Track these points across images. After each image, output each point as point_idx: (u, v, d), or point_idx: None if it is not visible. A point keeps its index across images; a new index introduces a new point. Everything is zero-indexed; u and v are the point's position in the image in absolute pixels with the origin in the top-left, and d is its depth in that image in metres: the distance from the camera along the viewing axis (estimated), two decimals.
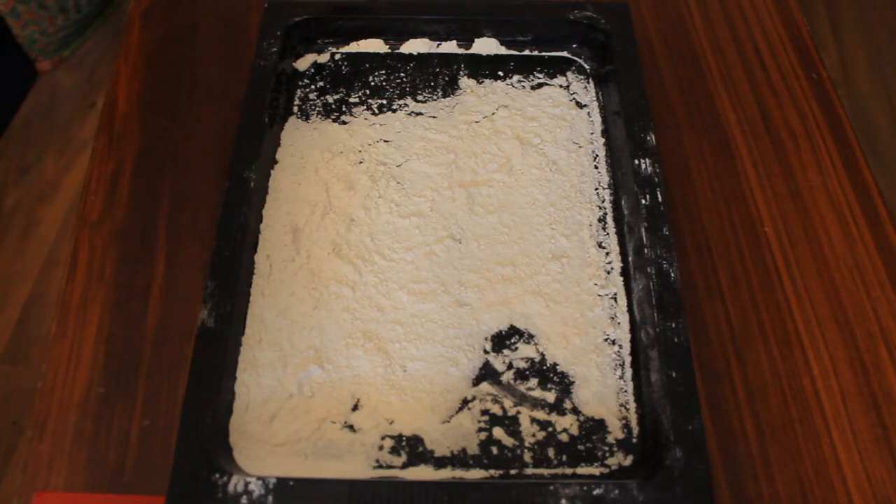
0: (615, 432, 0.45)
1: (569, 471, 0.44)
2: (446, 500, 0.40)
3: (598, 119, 0.59)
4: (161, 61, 0.64)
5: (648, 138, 0.53)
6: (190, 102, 0.62)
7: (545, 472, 0.44)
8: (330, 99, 0.60)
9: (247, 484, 0.40)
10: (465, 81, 0.61)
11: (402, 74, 0.61)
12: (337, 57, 0.62)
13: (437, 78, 0.61)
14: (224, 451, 0.43)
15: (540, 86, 0.61)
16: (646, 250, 0.48)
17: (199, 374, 0.43)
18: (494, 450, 0.44)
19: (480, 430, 0.45)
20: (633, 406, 0.46)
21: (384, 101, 0.59)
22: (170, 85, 0.63)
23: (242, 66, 0.61)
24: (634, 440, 0.45)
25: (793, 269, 0.54)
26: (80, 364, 0.49)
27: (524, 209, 0.54)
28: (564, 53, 0.63)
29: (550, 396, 0.46)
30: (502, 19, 0.62)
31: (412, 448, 0.44)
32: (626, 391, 0.47)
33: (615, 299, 0.50)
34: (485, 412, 0.46)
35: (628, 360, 0.48)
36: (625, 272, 0.51)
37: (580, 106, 0.60)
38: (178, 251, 0.54)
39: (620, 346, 0.48)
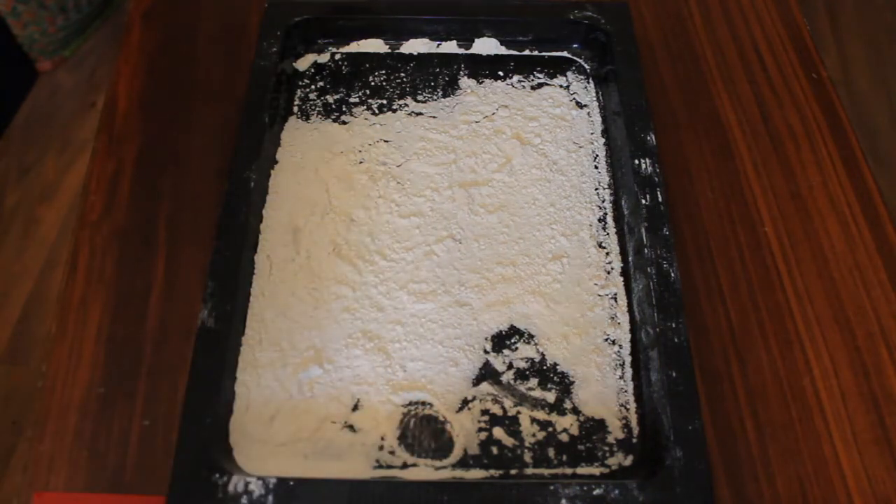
0: (615, 432, 0.45)
1: (569, 471, 0.44)
2: (446, 500, 0.40)
3: (598, 119, 0.59)
4: (161, 61, 0.64)
5: (648, 138, 0.53)
6: (190, 102, 0.62)
7: (545, 472, 0.44)
8: (330, 99, 0.60)
9: (247, 484, 0.40)
10: (465, 81, 0.61)
11: (402, 74, 0.61)
12: (337, 57, 0.62)
13: (437, 78, 0.61)
14: (224, 451, 0.43)
15: (540, 86, 0.61)
16: (646, 250, 0.48)
17: (199, 374, 0.43)
18: (494, 450, 0.44)
19: (480, 430, 0.45)
20: (633, 406, 0.46)
21: (384, 101, 0.59)
22: (170, 85, 0.63)
23: (242, 66, 0.61)
24: (634, 440, 0.45)
25: (793, 269, 0.54)
26: (80, 364, 0.49)
27: (524, 209, 0.54)
28: (564, 53, 0.63)
29: (550, 396, 0.46)
30: (502, 19, 0.62)
31: None
32: (626, 391, 0.47)
33: (615, 299, 0.50)
34: (485, 412, 0.46)
35: (628, 360, 0.48)
36: (625, 272, 0.51)
37: (580, 106, 0.60)
38: (178, 251, 0.54)
39: (620, 346, 0.48)
